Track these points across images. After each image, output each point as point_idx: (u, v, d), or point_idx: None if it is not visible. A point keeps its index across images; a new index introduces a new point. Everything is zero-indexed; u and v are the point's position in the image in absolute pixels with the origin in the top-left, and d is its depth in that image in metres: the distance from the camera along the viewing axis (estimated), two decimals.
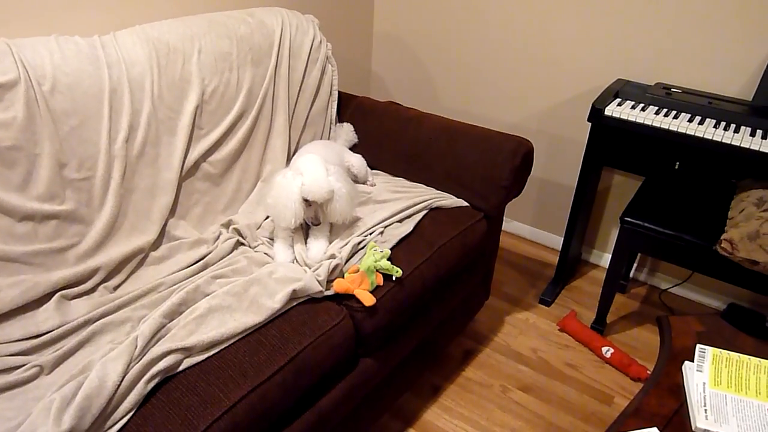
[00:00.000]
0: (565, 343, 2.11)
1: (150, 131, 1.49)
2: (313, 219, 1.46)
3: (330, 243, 1.51)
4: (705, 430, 1.07)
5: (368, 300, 1.34)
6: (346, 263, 1.45)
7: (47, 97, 1.31)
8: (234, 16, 1.73)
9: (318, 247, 1.48)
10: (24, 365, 1.13)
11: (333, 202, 1.47)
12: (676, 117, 1.80)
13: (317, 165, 1.45)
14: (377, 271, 1.40)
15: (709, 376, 1.16)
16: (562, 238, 2.26)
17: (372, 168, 1.95)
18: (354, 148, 1.99)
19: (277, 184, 1.46)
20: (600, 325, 2.14)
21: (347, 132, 1.98)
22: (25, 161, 1.27)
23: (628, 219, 1.83)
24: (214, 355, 1.16)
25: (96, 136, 1.39)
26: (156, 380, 1.08)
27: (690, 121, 1.78)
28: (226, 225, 1.61)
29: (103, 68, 1.41)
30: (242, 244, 1.56)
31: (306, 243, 1.52)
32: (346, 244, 1.49)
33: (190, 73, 1.57)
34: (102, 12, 1.62)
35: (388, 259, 1.41)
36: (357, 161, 1.82)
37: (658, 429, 1.04)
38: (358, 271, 1.37)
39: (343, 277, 1.39)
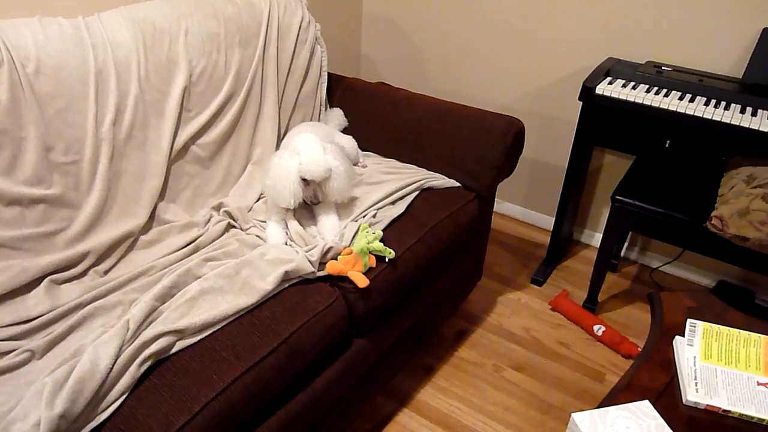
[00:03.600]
0: (557, 322, 2.12)
1: (137, 114, 1.47)
2: (312, 198, 1.46)
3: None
4: (695, 402, 1.08)
5: (362, 281, 1.33)
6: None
7: (31, 80, 1.28)
8: None
9: (331, 222, 1.49)
10: (15, 350, 1.12)
11: (331, 181, 1.47)
12: (666, 95, 1.80)
13: (314, 144, 1.45)
14: (370, 252, 1.40)
15: (700, 350, 1.17)
16: (554, 219, 2.27)
17: (363, 149, 1.94)
18: (345, 131, 1.97)
19: (275, 165, 1.46)
20: (591, 304, 2.16)
21: (338, 116, 1.97)
22: (10, 145, 1.25)
23: (619, 198, 1.83)
24: (206, 337, 1.16)
25: (82, 119, 1.37)
26: (149, 363, 1.08)
27: (681, 99, 1.78)
28: (217, 208, 1.60)
29: (87, 50, 1.39)
30: (233, 226, 1.55)
31: (317, 222, 1.52)
32: (344, 228, 1.48)
33: (177, 54, 1.55)
34: None
35: (380, 241, 1.41)
36: (347, 142, 1.81)
37: (650, 402, 1.05)
38: (351, 253, 1.37)
39: (336, 259, 1.39)
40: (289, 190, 1.43)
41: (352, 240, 1.45)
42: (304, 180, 1.44)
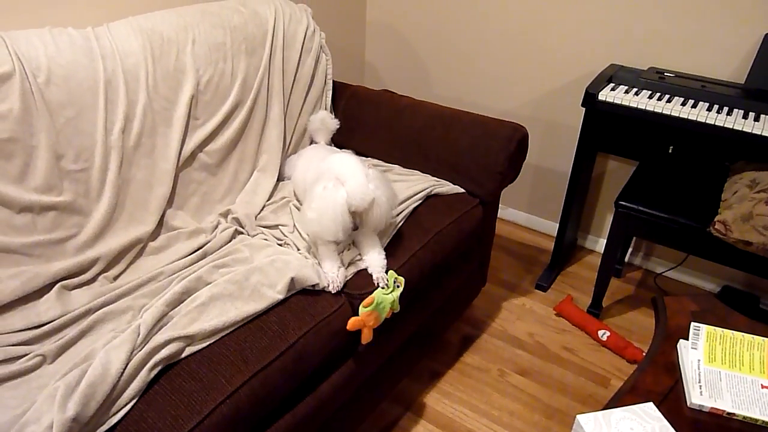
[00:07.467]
0: (561, 327, 2.13)
1: (146, 122, 1.49)
2: (352, 227, 1.39)
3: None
4: (700, 405, 1.09)
5: (366, 338, 1.34)
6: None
7: (42, 89, 1.31)
8: (227, 6, 1.73)
9: (377, 254, 1.45)
10: (27, 355, 1.14)
11: (373, 210, 1.39)
12: (669, 101, 1.82)
13: (359, 171, 1.36)
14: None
15: (704, 353, 1.18)
16: (558, 224, 2.28)
17: (367, 156, 1.96)
18: (350, 136, 1.99)
19: (319, 197, 1.36)
20: (596, 309, 2.16)
21: (321, 122, 1.92)
22: (22, 153, 1.27)
23: (623, 203, 1.84)
24: (215, 342, 1.18)
25: (92, 128, 1.39)
26: (159, 368, 1.09)
27: (683, 104, 1.79)
28: (225, 214, 1.62)
29: (97, 60, 1.41)
30: (241, 233, 1.56)
31: (361, 250, 1.47)
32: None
33: (185, 63, 1.57)
34: (95, 4, 1.61)
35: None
36: None
37: (654, 404, 1.06)
38: (372, 303, 1.31)
39: (357, 309, 1.35)
40: (338, 222, 1.33)
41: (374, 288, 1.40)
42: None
